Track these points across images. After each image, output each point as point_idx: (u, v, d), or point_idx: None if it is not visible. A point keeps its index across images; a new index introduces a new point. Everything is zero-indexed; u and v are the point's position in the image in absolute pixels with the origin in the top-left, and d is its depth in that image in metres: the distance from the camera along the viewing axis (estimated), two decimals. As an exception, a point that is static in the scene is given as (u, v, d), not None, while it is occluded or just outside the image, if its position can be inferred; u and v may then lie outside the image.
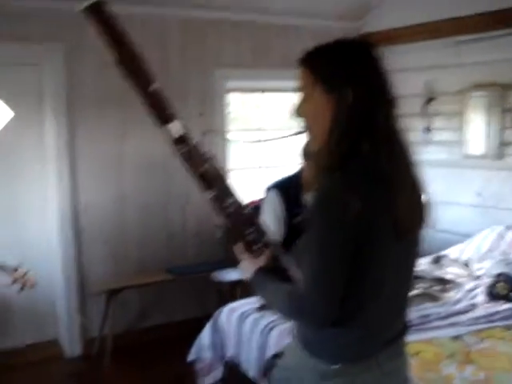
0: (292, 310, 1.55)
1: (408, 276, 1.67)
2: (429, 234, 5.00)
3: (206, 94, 4.85)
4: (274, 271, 1.69)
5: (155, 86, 1.58)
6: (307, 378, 1.60)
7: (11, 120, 4.24)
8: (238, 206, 1.70)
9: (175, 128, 1.60)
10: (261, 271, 1.69)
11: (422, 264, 4.26)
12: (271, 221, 3.18)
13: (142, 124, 4.43)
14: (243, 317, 3.32)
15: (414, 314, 3.29)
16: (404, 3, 5.10)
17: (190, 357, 3.55)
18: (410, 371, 1.76)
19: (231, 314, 3.44)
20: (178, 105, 4.69)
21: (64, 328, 4.44)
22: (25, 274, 3.10)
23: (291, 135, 1.74)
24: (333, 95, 1.51)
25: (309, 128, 1.61)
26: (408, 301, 1.72)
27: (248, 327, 3.24)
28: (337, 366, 1.55)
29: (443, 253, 4.43)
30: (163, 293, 4.71)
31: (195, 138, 1.66)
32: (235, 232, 1.72)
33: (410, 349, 2.63)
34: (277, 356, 1.79)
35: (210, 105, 4.87)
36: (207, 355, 3.51)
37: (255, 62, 5.05)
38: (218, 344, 3.49)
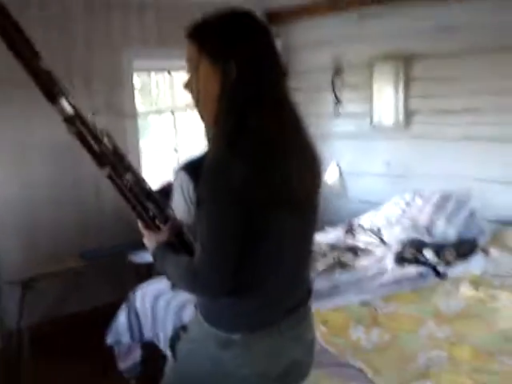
0: (187, 282, 1.56)
1: (307, 243, 1.70)
2: (340, 204, 5.15)
3: (114, 74, 4.75)
4: (176, 246, 1.70)
5: (42, 62, 1.53)
6: (209, 349, 1.62)
7: None
8: (136, 182, 1.70)
9: (65, 106, 1.56)
10: (161, 245, 1.70)
11: (334, 233, 4.38)
12: (181, 202, 3.17)
13: (48, 106, 4.31)
14: (157, 296, 3.32)
15: (324, 282, 3.38)
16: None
17: (108, 340, 3.52)
18: (315, 335, 1.80)
19: (145, 295, 3.43)
20: (82, 85, 4.61)
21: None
22: None
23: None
24: (217, 68, 1.50)
25: (197, 102, 1.60)
26: (309, 267, 1.76)
27: (162, 306, 3.24)
28: (236, 336, 1.58)
29: (355, 222, 4.55)
30: (79, 279, 4.63)
31: (95, 118, 1.63)
32: (134, 211, 1.72)
33: (319, 317, 2.73)
34: (183, 329, 1.78)
35: (118, 85, 4.78)
36: (125, 338, 3.49)
37: (162, 41, 4.98)
38: (134, 326, 3.48)
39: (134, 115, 4.93)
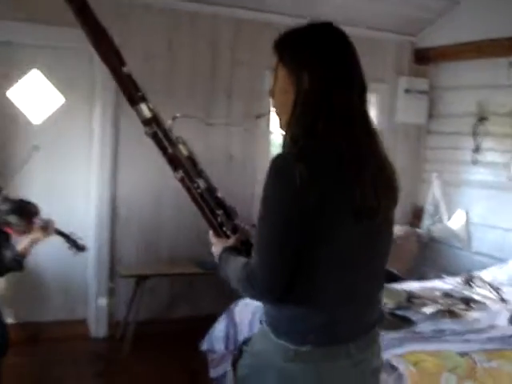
0: (243, 283, 1.56)
1: (379, 260, 1.66)
2: (464, 254, 4.91)
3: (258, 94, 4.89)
4: (240, 252, 1.71)
5: (126, 69, 1.67)
6: (275, 362, 1.60)
7: (64, 104, 4.45)
8: (207, 189, 1.76)
9: (144, 109, 1.69)
10: (226, 249, 1.72)
11: (452, 282, 4.18)
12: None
13: (186, 119, 4.54)
14: (254, 313, 3.33)
15: (428, 326, 3.24)
16: (459, 21, 5.01)
17: (202, 346, 3.59)
18: (382, 362, 1.74)
19: (246, 306, 3.46)
20: (224, 101, 4.81)
21: (93, 309, 4.57)
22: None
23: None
24: (292, 79, 1.55)
25: (276, 109, 1.66)
26: (380, 290, 1.71)
27: (258, 323, 3.24)
28: (304, 348, 1.55)
29: (476, 274, 4.31)
30: (191, 285, 4.78)
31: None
32: (204, 215, 1.77)
33: (412, 357, 2.62)
34: (244, 344, 1.78)
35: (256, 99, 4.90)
36: (219, 347, 3.54)
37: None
38: (231, 336, 3.52)
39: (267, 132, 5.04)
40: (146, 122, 1.70)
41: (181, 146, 1.76)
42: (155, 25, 4.52)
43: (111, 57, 1.65)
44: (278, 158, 1.50)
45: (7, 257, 3.16)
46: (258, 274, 1.49)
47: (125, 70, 1.66)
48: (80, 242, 3.38)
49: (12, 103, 4.34)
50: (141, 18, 4.46)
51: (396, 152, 5.58)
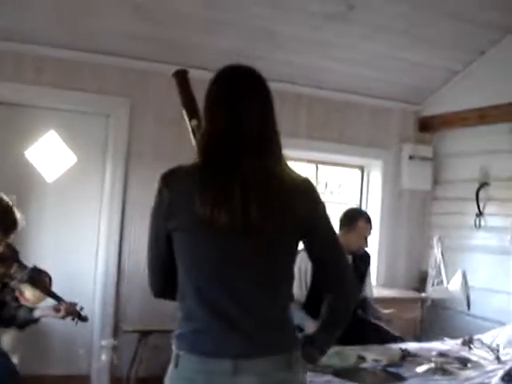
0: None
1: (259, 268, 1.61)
2: (467, 319, 4.86)
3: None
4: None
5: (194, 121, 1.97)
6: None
7: (76, 163, 4.68)
8: None
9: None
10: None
11: (451, 344, 4.17)
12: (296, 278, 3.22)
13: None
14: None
15: (419, 383, 3.23)
16: (462, 88, 5.19)
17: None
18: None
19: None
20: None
21: (96, 364, 4.62)
22: (75, 305, 3.35)
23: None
24: None
25: None
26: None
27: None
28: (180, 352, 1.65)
29: (476, 337, 4.28)
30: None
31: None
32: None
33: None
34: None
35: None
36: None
37: (311, 134, 5.26)
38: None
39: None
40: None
41: None
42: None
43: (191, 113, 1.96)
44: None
45: (21, 317, 3.29)
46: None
47: (193, 122, 1.94)
48: (83, 313, 3.39)
49: (29, 162, 4.59)
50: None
51: (401, 218, 5.67)
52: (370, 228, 4.13)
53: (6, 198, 3.18)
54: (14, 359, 3.48)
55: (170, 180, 1.68)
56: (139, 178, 4.68)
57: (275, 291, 1.63)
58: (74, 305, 3.33)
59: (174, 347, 1.68)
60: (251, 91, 1.67)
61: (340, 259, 1.74)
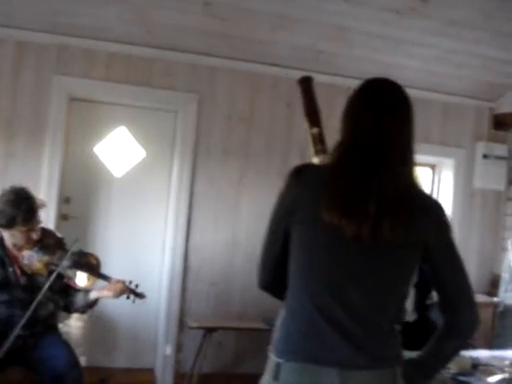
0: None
1: (372, 288, 1.58)
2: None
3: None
4: None
5: (316, 129, 2.02)
6: None
7: (144, 159, 4.74)
8: None
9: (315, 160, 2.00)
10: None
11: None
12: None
13: (258, 174, 4.72)
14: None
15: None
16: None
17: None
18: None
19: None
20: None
21: (160, 358, 4.67)
22: (129, 283, 3.31)
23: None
24: None
25: None
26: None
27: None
28: (281, 360, 1.57)
29: None
30: (259, 341, 4.78)
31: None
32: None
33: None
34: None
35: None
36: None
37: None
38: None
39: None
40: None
41: None
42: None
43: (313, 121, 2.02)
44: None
45: (78, 302, 3.34)
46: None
47: (314, 130, 2.00)
48: (138, 290, 3.35)
49: (97, 157, 4.67)
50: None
51: (473, 219, 5.47)
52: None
53: (18, 186, 3.13)
54: (78, 350, 3.49)
55: (303, 173, 1.66)
56: (206, 174, 4.69)
57: (387, 306, 1.60)
58: (125, 282, 3.29)
59: (271, 354, 1.63)
60: (397, 105, 1.71)
61: (464, 279, 1.67)
